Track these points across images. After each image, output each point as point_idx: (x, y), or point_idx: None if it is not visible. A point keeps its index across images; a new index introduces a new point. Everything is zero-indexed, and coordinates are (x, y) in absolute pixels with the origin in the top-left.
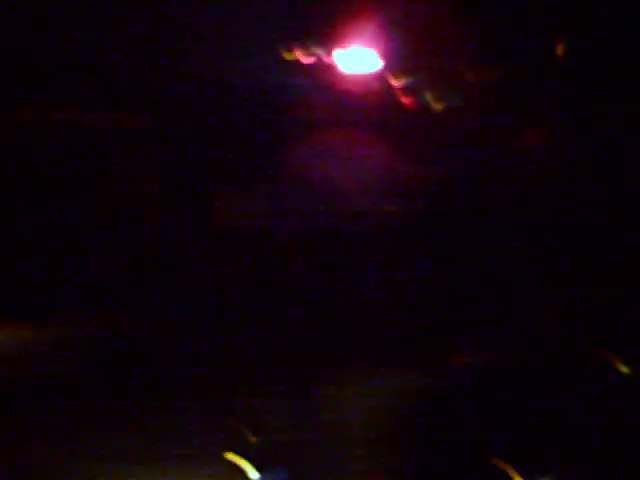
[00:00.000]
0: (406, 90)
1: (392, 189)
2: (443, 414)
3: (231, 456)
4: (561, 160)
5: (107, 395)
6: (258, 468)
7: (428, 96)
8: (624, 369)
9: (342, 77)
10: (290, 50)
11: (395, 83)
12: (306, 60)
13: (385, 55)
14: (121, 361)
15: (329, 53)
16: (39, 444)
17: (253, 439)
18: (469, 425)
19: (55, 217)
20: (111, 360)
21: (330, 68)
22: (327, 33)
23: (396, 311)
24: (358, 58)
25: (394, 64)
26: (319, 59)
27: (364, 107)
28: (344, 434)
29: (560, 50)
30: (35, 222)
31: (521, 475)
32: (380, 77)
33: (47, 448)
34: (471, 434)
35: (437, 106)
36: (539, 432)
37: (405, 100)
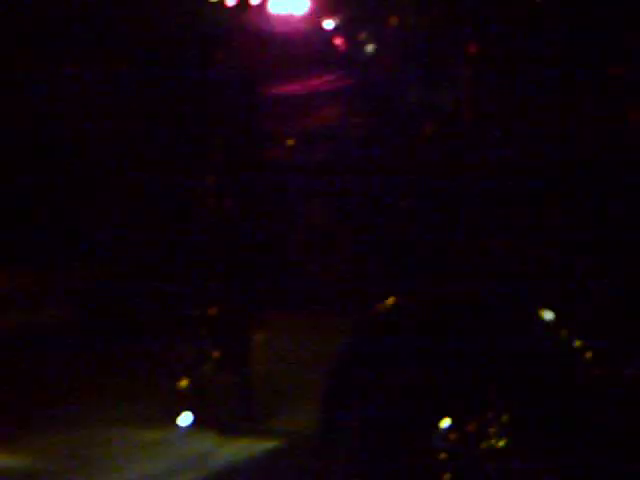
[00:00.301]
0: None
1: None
2: (374, 358)
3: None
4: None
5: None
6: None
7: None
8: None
9: (270, 18)
10: None
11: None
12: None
13: None
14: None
15: None
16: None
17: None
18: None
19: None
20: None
21: (257, 9)
22: None
23: (326, 258)
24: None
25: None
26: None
27: (294, 50)
28: (274, 379)
29: None
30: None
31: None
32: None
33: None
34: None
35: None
36: (472, 377)
37: (336, 42)
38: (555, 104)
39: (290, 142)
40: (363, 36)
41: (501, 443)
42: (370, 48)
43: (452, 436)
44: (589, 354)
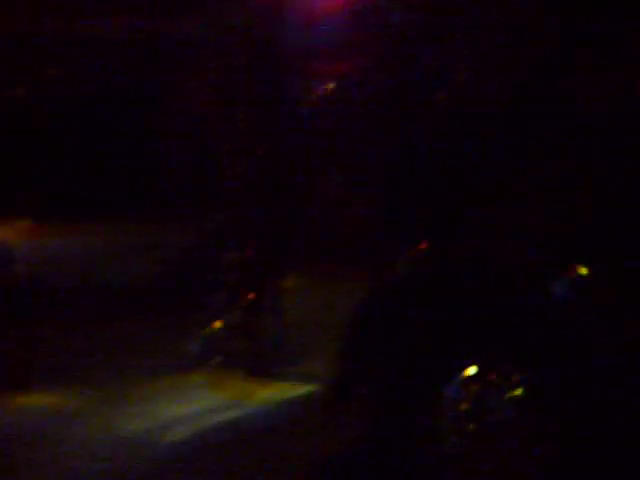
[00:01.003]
0: None
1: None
2: (393, 313)
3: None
4: None
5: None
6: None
7: None
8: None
9: None
10: None
11: None
12: None
13: None
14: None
15: None
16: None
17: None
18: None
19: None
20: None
21: None
22: None
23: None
24: None
25: None
26: None
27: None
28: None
29: None
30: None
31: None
32: None
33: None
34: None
35: None
36: (489, 331)
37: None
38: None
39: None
40: None
41: (518, 393)
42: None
43: (471, 388)
44: (608, 318)
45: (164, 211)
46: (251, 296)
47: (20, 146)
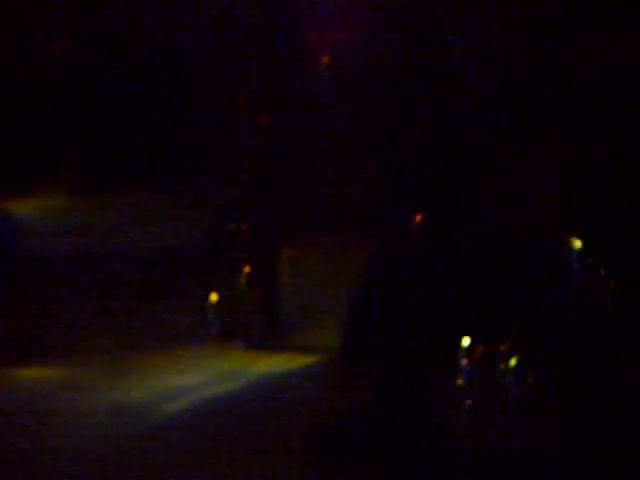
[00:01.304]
0: None
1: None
2: (396, 280)
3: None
4: None
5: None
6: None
7: None
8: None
9: None
10: None
11: None
12: None
13: None
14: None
15: None
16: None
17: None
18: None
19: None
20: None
21: None
22: None
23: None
24: None
25: None
26: None
27: None
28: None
29: None
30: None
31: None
32: None
33: None
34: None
35: None
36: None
37: None
38: None
39: (325, 59)
40: None
41: (515, 363)
42: None
43: (472, 355)
44: (613, 284)
45: (177, 184)
46: (250, 268)
47: (51, 121)
